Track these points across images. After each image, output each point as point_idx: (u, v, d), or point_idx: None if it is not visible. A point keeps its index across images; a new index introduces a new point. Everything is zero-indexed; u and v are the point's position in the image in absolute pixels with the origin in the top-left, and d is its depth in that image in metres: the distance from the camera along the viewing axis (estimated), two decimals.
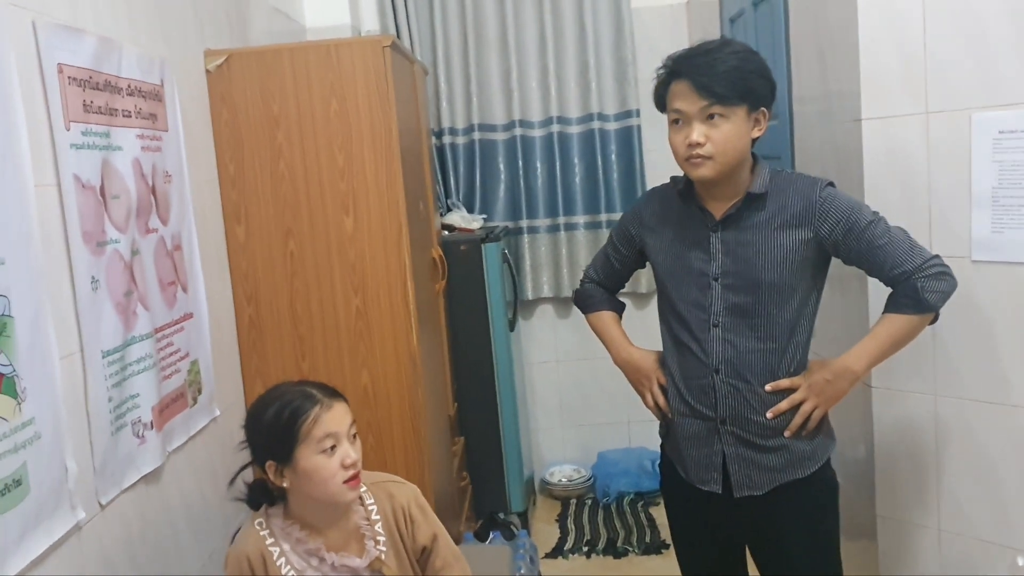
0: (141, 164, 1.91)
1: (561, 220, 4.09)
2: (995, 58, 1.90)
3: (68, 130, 1.62)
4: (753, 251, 1.84)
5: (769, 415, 1.85)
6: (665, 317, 1.99)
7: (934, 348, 2.05)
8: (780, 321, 1.84)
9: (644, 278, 3.99)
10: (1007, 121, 1.89)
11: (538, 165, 4.07)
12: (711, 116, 1.76)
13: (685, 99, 1.78)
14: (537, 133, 4.05)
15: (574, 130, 4.05)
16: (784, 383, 1.86)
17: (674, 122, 1.82)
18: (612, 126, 4.05)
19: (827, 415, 1.91)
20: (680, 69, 1.79)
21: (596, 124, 4.03)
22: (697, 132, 1.77)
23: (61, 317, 1.58)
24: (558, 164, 4.06)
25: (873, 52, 2.06)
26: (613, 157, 4.06)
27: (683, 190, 1.92)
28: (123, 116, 1.85)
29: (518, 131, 4.02)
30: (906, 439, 2.13)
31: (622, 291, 2.22)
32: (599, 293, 2.18)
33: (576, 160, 4.07)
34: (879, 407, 2.17)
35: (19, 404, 1.42)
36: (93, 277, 1.67)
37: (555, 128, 4.04)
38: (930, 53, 1.98)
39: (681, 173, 1.90)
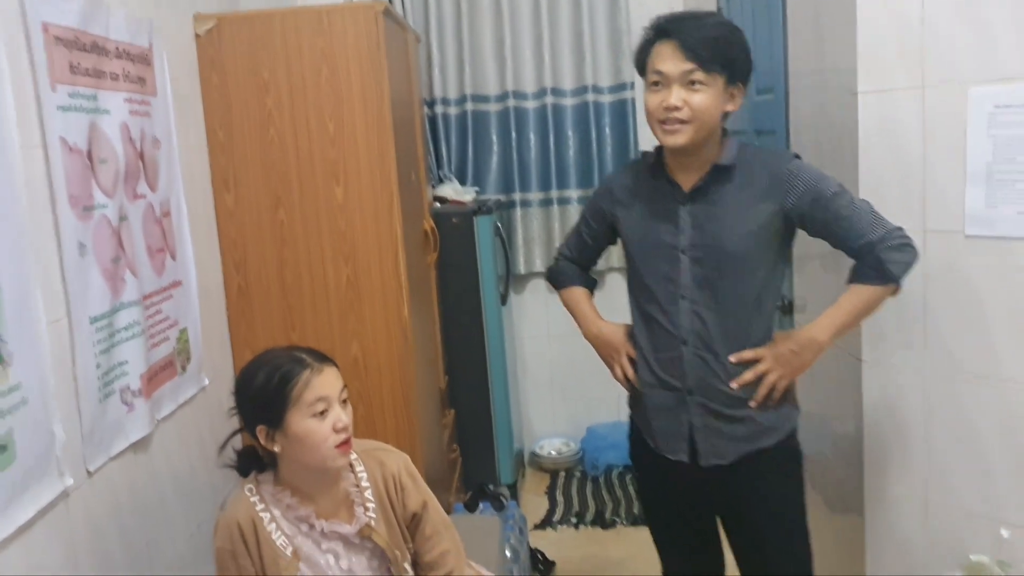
0: (129, 128, 1.89)
1: (554, 194, 4.07)
2: (993, 32, 1.88)
3: (54, 91, 1.59)
4: (720, 224, 1.85)
5: (734, 385, 1.87)
6: (634, 291, 2.01)
7: (925, 322, 2.05)
8: (746, 293, 1.86)
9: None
10: (1003, 95, 1.88)
11: (531, 137, 4.04)
12: (692, 82, 1.77)
13: (669, 60, 1.78)
14: (531, 105, 4.02)
15: (568, 102, 4.02)
16: (748, 354, 1.87)
17: (653, 84, 1.82)
18: (606, 99, 4.02)
19: (793, 385, 1.94)
20: (669, 29, 1.80)
21: (590, 96, 4.00)
22: (676, 96, 1.77)
23: (48, 282, 1.56)
24: (551, 136, 4.03)
25: (870, 25, 2.04)
26: (607, 130, 4.03)
27: (653, 163, 1.94)
28: (111, 79, 1.82)
29: (511, 102, 3.99)
30: (895, 413, 2.14)
31: (599, 267, 2.23)
32: (571, 270, 2.20)
33: (570, 133, 4.04)
34: (869, 381, 2.17)
35: (5, 369, 1.41)
36: (80, 242, 1.66)
37: (549, 100, 4.00)
38: (927, 26, 1.96)
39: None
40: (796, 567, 2.00)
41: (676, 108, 1.77)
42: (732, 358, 1.87)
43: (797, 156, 1.88)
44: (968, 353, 2.00)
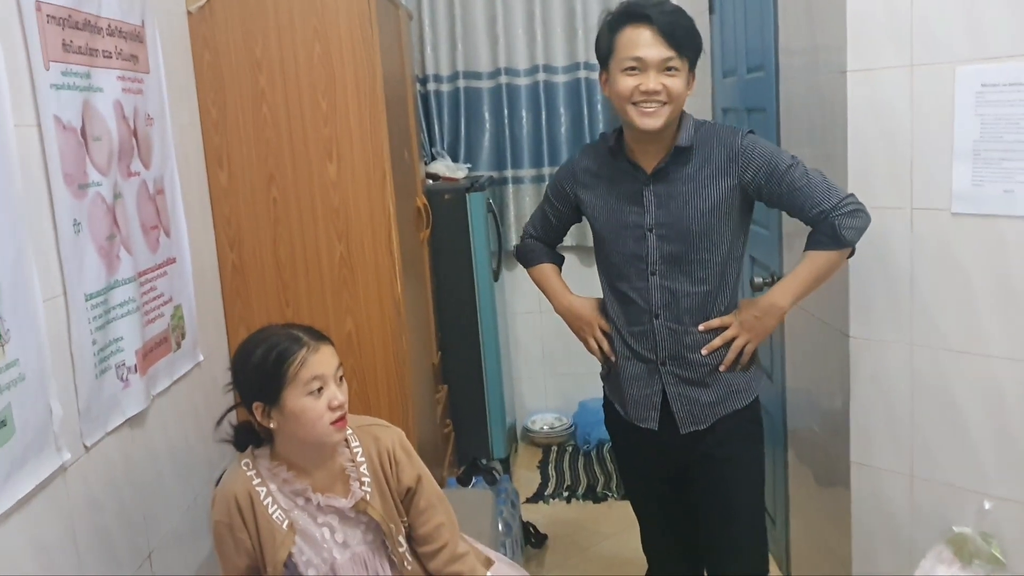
0: (123, 106, 1.89)
1: (546, 171, 4.08)
2: (981, 11, 1.89)
3: (48, 70, 1.59)
4: (683, 202, 1.93)
5: (704, 352, 1.97)
6: (604, 268, 2.08)
7: (912, 299, 2.07)
8: (711, 265, 1.95)
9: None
10: (991, 74, 1.89)
11: (523, 114, 4.04)
12: (669, 68, 1.84)
13: (650, 47, 1.83)
14: (523, 82, 4.02)
15: (560, 79, 4.03)
16: (715, 322, 1.98)
17: (629, 69, 1.86)
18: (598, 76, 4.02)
19: (757, 351, 2.03)
20: (643, 15, 1.84)
21: (582, 73, 4.00)
22: (655, 80, 1.84)
23: (43, 259, 1.57)
24: (544, 114, 4.04)
25: (860, 3, 2.05)
26: (599, 108, 4.04)
27: (613, 146, 2.00)
28: (104, 57, 1.82)
29: (503, 79, 3.99)
30: (882, 388, 2.17)
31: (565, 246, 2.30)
32: (539, 248, 2.28)
33: (562, 110, 4.05)
34: (856, 357, 2.20)
35: (2, 346, 1.42)
36: (75, 220, 1.67)
37: (541, 77, 4.01)
38: (916, 5, 1.97)
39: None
40: (754, 531, 2.11)
41: (655, 92, 1.84)
42: (701, 327, 1.97)
43: (751, 132, 1.96)
44: (954, 329, 2.03)
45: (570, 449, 4.16)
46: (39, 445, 1.52)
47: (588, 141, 4.02)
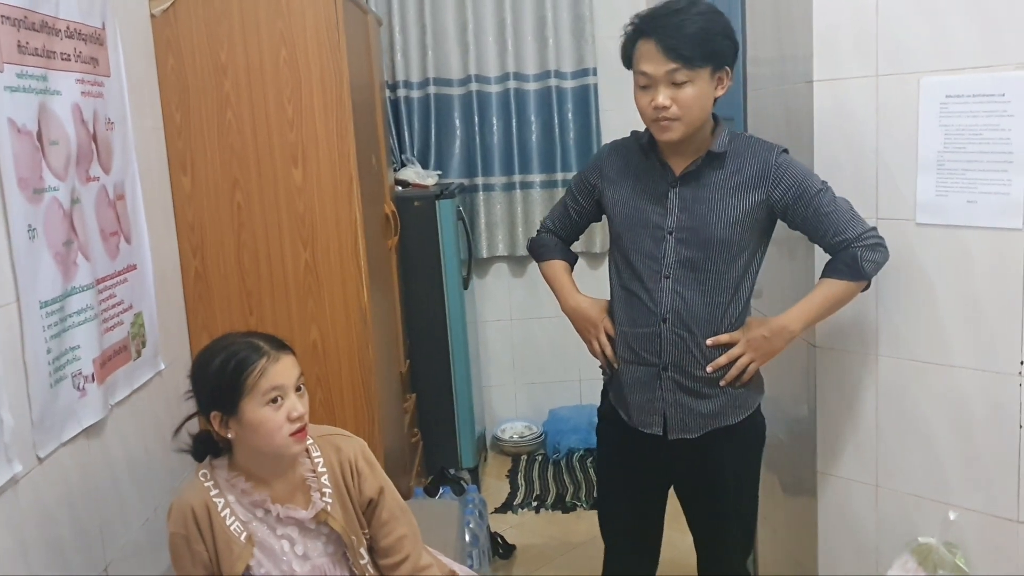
0: (81, 110, 1.86)
1: (517, 178, 4.08)
2: (946, 22, 1.91)
3: (1, 72, 1.56)
4: (708, 208, 1.90)
5: (709, 369, 1.94)
6: (617, 267, 2.04)
7: (877, 309, 2.08)
8: (727, 277, 1.92)
9: (599, 237, 4.01)
10: (955, 85, 1.91)
11: (494, 122, 4.04)
12: (676, 81, 1.80)
13: (652, 61, 1.81)
14: (494, 89, 4.01)
15: (531, 87, 4.03)
16: (724, 338, 1.94)
17: (643, 86, 1.85)
18: (569, 84, 4.03)
19: (759, 370, 2.01)
20: (647, 28, 1.82)
21: (553, 82, 4.00)
22: (663, 96, 1.81)
23: None
24: (514, 121, 4.04)
25: (826, 13, 2.06)
26: (570, 116, 4.04)
27: (646, 145, 1.97)
28: (61, 59, 1.78)
29: (474, 86, 3.98)
30: (847, 398, 2.17)
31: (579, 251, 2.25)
32: (553, 242, 2.23)
33: (533, 118, 4.05)
34: (822, 367, 2.20)
35: None
36: (30, 225, 1.63)
37: (512, 84, 4.00)
38: (882, 16, 1.99)
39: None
40: (744, 535, 2.14)
41: (665, 107, 1.81)
42: (709, 341, 1.93)
43: (786, 150, 1.94)
44: (918, 339, 2.04)
45: (540, 458, 4.14)
46: None
47: (558, 149, 4.04)
